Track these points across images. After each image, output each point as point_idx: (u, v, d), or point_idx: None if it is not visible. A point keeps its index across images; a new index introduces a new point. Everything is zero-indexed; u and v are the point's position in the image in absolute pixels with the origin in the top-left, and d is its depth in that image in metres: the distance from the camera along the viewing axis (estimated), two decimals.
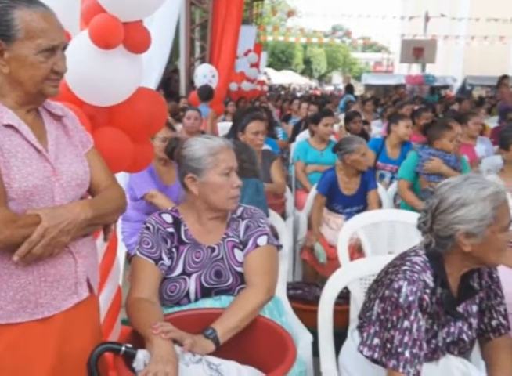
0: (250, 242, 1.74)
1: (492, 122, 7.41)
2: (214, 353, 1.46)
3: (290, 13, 21.21)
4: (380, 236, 2.93)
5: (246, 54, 11.02)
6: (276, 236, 2.77)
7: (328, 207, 3.52)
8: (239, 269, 1.74)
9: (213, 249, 1.77)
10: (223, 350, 1.48)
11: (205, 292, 1.72)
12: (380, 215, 2.96)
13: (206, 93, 6.41)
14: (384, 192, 3.73)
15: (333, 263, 2.94)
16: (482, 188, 1.45)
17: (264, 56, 16.39)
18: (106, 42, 1.63)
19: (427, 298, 1.48)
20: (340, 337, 1.87)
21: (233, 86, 9.69)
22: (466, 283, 1.59)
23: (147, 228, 1.76)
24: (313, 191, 3.69)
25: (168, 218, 1.80)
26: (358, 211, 3.23)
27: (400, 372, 1.43)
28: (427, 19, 23.04)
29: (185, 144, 1.79)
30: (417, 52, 20.31)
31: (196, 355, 1.41)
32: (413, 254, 1.58)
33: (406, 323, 1.44)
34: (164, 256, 1.72)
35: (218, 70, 7.64)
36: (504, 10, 22.65)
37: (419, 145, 3.95)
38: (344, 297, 2.05)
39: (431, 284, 1.50)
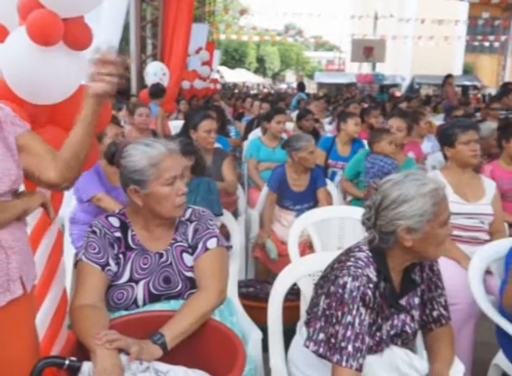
0: (200, 245, 1.72)
1: (438, 120, 7.68)
2: (163, 358, 1.43)
3: (243, 12, 21.23)
4: (331, 232, 2.98)
5: (198, 52, 10.94)
6: (228, 234, 2.78)
7: (279, 204, 3.55)
8: (188, 274, 1.70)
9: (161, 255, 1.73)
10: (172, 355, 1.46)
11: (154, 299, 1.68)
12: (329, 211, 3.02)
13: (157, 91, 6.33)
14: (334, 189, 3.79)
15: (285, 260, 2.96)
16: (422, 184, 1.49)
17: (217, 54, 16.30)
18: (45, 39, 1.57)
19: (369, 292, 1.51)
20: (292, 333, 1.87)
21: (185, 84, 9.60)
22: (408, 276, 1.64)
23: (93, 232, 1.69)
24: (265, 189, 3.71)
25: (115, 221, 1.74)
26: (309, 208, 3.27)
27: (343, 366, 1.45)
28: (376, 19, 23.56)
29: (125, 153, 1.68)
30: (367, 51, 20.73)
31: (143, 363, 1.37)
32: (357, 249, 1.61)
33: (349, 318, 1.47)
34: (111, 262, 1.66)
35: (170, 67, 7.56)
36: (448, 12, 23.51)
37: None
38: (295, 293, 2.07)
39: (374, 279, 1.54)
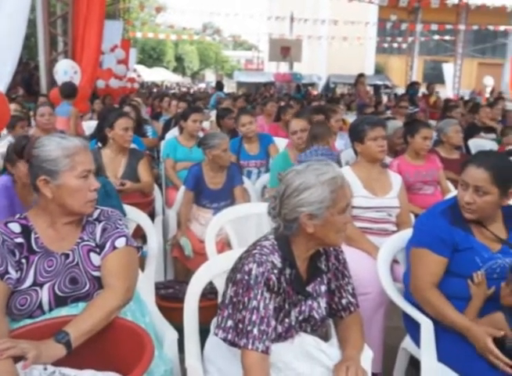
0: (108, 244, 1.69)
1: (352, 117, 7.97)
2: (71, 361, 1.39)
3: (159, 9, 20.86)
4: (248, 229, 3.00)
5: (112, 50, 10.66)
6: (145, 236, 2.72)
7: (196, 202, 3.54)
8: (96, 274, 1.67)
9: (67, 256, 1.68)
10: (80, 357, 1.42)
11: (60, 301, 1.63)
12: (246, 208, 3.03)
13: (68, 90, 6.07)
14: (252, 186, 3.83)
15: (203, 258, 2.95)
16: (321, 173, 1.57)
17: (133, 52, 15.96)
18: None
19: (273, 277, 1.57)
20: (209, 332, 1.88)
21: (100, 83, 9.32)
22: (314, 264, 1.71)
23: None
24: (182, 188, 3.68)
25: (16, 227, 1.67)
26: (226, 206, 3.27)
27: (249, 349, 1.50)
28: (292, 20, 24.03)
29: (37, 143, 1.65)
30: (284, 51, 21.08)
31: (48, 368, 1.32)
32: (264, 239, 1.68)
33: (255, 303, 1.53)
34: (11, 270, 1.59)
35: (82, 66, 7.29)
36: (359, 14, 24.51)
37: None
38: (215, 292, 2.07)
39: (279, 265, 1.60)
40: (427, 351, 2.00)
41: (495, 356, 1.75)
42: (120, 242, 1.70)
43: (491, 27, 22.56)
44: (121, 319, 1.58)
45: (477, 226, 2.03)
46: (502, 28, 24.51)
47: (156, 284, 3.01)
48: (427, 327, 2.01)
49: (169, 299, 2.83)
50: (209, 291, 2.28)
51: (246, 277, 1.55)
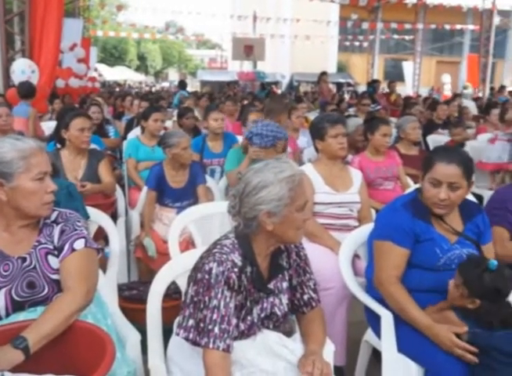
0: (66, 247, 1.66)
1: (315, 115, 8.02)
2: (30, 366, 1.36)
3: (120, 7, 20.53)
4: (212, 228, 3.00)
5: (72, 49, 10.43)
6: (107, 237, 2.69)
7: (159, 202, 3.52)
8: (54, 277, 1.64)
9: (24, 259, 1.64)
10: (39, 361, 1.39)
11: (17, 306, 1.59)
12: (209, 207, 3.03)
13: (26, 90, 5.92)
14: (215, 185, 3.83)
15: (167, 258, 2.92)
16: (280, 171, 1.59)
17: (93, 51, 15.67)
18: None
19: (234, 276, 1.58)
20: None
21: (60, 83, 9.12)
22: (276, 261, 1.73)
23: None
24: (145, 188, 3.65)
25: None
26: (189, 205, 3.26)
27: (210, 348, 1.51)
28: (254, 18, 24.08)
29: None
30: (248, 49, 21.10)
31: (5, 374, 1.29)
32: (224, 238, 1.69)
33: (215, 302, 1.54)
34: None
35: (40, 65, 7.11)
36: (321, 13, 24.76)
37: None
38: (181, 292, 2.06)
39: (239, 263, 1.61)
40: (387, 342, 2.06)
41: (462, 347, 1.80)
42: (79, 244, 1.68)
43: (447, 26, 23.17)
44: (81, 322, 1.56)
45: (437, 219, 2.09)
46: (458, 27, 25.25)
47: (119, 286, 2.99)
48: (387, 319, 2.06)
49: (133, 301, 2.80)
50: (174, 291, 2.27)
51: (206, 276, 1.55)
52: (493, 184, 4.69)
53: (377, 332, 2.17)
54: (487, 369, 1.77)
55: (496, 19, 20.70)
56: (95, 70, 18.44)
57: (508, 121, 5.50)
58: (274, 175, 1.58)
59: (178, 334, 1.59)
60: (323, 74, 10.99)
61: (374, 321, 2.19)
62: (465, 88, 20.10)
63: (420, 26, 22.10)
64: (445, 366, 1.84)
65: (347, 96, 15.63)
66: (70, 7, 15.57)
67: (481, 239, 2.12)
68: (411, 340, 1.98)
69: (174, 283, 2.01)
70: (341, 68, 32.84)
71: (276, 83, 26.71)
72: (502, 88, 15.00)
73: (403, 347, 2.01)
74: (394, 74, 25.80)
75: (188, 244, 3.16)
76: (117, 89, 21.30)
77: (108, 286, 2.22)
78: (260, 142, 3.38)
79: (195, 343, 1.56)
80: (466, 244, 2.07)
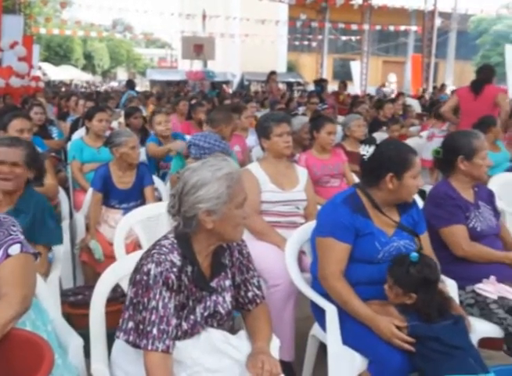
0: (1, 252, 1.61)
1: None
2: None
3: (64, 4, 19.93)
4: (160, 229, 2.96)
5: (12, 47, 10.03)
6: None
7: (105, 204, 3.45)
8: None
9: None
10: None
11: None
12: (156, 208, 2.99)
13: None
14: (163, 186, 3.78)
15: (114, 261, 2.88)
16: (217, 169, 1.60)
17: (36, 49, 15.12)
18: None
19: (173, 276, 1.58)
20: None
21: None
22: (218, 259, 1.73)
23: None
24: (90, 189, 3.57)
25: None
26: (137, 206, 3.21)
27: (149, 350, 1.51)
28: (204, 17, 23.98)
29: None
30: (197, 48, 20.99)
31: None
32: (163, 238, 1.68)
33: (154, 303, 1.53)
34: None
35: None
36: (270, 12, 24.94)
37: None
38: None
39: (179, 263, 1.61)
40: (332, 335, 2.10)
41: (401, 338, 1.87)
42: (14, 249, 1.63)
43: (392, 27, 23.86)
44: (18, 330, 1.51)
45: (375, 212, 2.15)
46: (402, 28, 26.05)
47: (64, 291, 2.91)
48: (331, 313, 2.11)
49: (78, 306, 2.73)
50: (121, 294, 2.23)
51: (144, 278, 1.55)
52: (432, 180, 4.88)
53: (323, 326, 2.21)
54: (425, 358, 1.85)
55: (438, 21, 21.52)
56: (39, 68, 17.82)
57: (443, 117, 5.71)
58: (212, 173, 1.59)
59: (118, 337, 1.58)
60: (272, 73, 11.07)
61: (320, 315, 2.23)
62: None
63: (366, 27, 22.63)
64: (386, 356, 1.90)
65: (297, 95, 15.82)
66: (9, 3, 15.02)
67: (416, 229, 2.21)
68: (355, 332, 2.04)
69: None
70: (291, 68, 33.20)
71: (227, 82, 26.72)
72: (443, 86, 15.57)
73: (348, 339, 2.07)
74: (343, 74, 26.36)
75: (135, 246, 3.11)
76: (63, 89, 20.69)
77: (49, 291, 2.15)
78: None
79: (135, 345, 1.55)
80: (403, 235, 2.15)
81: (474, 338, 2.06)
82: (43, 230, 2.41)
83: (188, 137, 4.53)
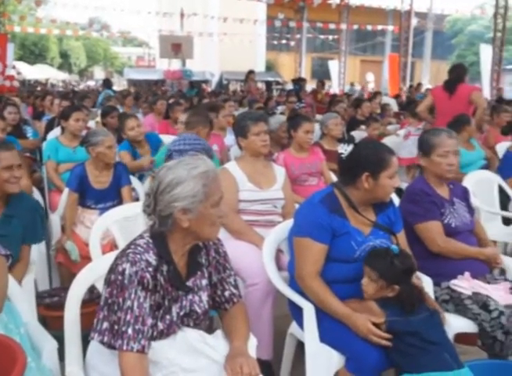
0: None
1: None
2: None
3: (39, 2, 19.59)
4: (136, 229, 2.93)
5: None
6: None
7: (81, 204, 3.41)
8: None
9: None
10: None
11: None
12: (133, 208, 2.96)
13: None
14: (140, 186, 3.75)
15: (89, 262, 2.85)
16: (193, 168, 1.59)
17: (10, 47, 14.81)
18: None
19: (148, 275, 1.56)
20: None
21: None
22: (194, 259, 1.72)
23: None
24: (66, 190, 3.52)
25: None
26: (113, 207, 3.18)
27: (124, 350, 1.49)
28: (181, 16, 23.84)
29: None
30: (175, 47, 20.87)
31: None
32: (138, 237, 1.66)
33: (129, 303, 1.52)
34: None
35: None
36: (248, 12, 24.93)
37: None
38: None
39: (154, 263, 1.60)
40: (309, 333, 2.11)
41: (377, 335, 1.89)
42: None
43: (370, 27, 24.06)
44: None
45: (352, 212, 2.16)
46: (380, 28, 26.29)
47: (40, 293, 2.87)
48: (308, 311, 2.12)
49: (54, 308, 2.70)
50: (97, 296, 2.20)
51: (119, 277, 1.53)
52: (408, 178, 4.94)
53: (301, 324, 2.21)
54: (402, 353, 1.87)
55: (414, 21, 21.77)
56: (14, 68, 17.49)
57: (418, 116, 5.78)
58: (187, 171, 1.58)
59: (92, 338, 1.56)
60: (250, 72, 11.10)
61: (297, 314, 2.23)
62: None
63: (343, 26, 22.78)
64: (363, 352, 1.91)
65: (276, 94, 15.84)
66: None
67: (393, 228, 2.23)
68: (332, 330, 2.05)
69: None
70: (270, 67, 33.24)
71: (206, 81, 26.62)
72: (420, 85, 15.76)
73: (325, 337, 2.08)
74: (321, 73, 26.53)
75: (112, 246, 3.07)
76: (39, 88, 20.36)
77: (24, 293, 2.12)
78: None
79: (110, 346, 1.53)
80: (379, 234, 2.17)
81: (450, 334, 2.09)
82: (32, 232, 2.46)
83: (164, 137, 4.51)
